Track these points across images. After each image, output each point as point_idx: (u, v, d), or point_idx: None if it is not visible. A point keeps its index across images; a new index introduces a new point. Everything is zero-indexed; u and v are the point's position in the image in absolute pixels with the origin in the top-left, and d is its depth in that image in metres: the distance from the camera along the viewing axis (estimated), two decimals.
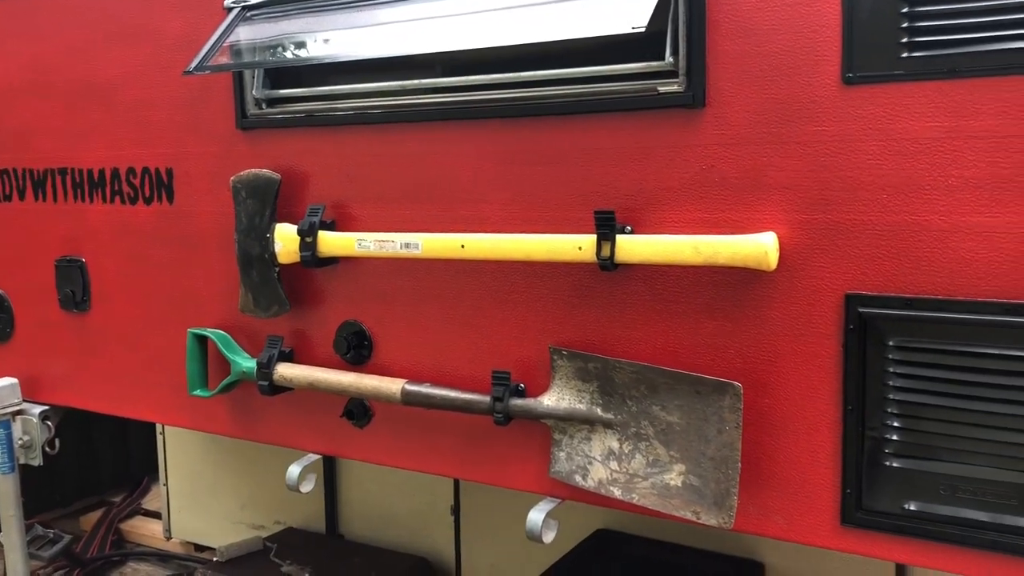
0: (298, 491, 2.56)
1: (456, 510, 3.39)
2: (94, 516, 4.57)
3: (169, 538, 4.21)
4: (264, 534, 3.63)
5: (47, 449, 3.20)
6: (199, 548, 4.17)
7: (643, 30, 1.72)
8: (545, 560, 2.86)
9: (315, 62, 2.35)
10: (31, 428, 3.16)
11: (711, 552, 2.82)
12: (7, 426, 3.15)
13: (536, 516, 2.15)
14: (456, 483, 3.37)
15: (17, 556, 3.28)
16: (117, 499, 4.76)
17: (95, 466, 4.86)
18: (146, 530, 4.41)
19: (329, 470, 3.66)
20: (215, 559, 3.40)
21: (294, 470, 2.54)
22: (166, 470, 4.16)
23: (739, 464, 1.86)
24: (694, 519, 1.91)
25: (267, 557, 3.37)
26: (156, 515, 4.47)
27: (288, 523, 3.79)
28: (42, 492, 4.43)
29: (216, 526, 4.01)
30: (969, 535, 1.73)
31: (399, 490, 3.51)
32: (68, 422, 4.12)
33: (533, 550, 2.85)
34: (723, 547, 2.82)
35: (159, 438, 4.15)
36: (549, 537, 2.17)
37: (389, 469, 3.44)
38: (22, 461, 3.20)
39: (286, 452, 2.70)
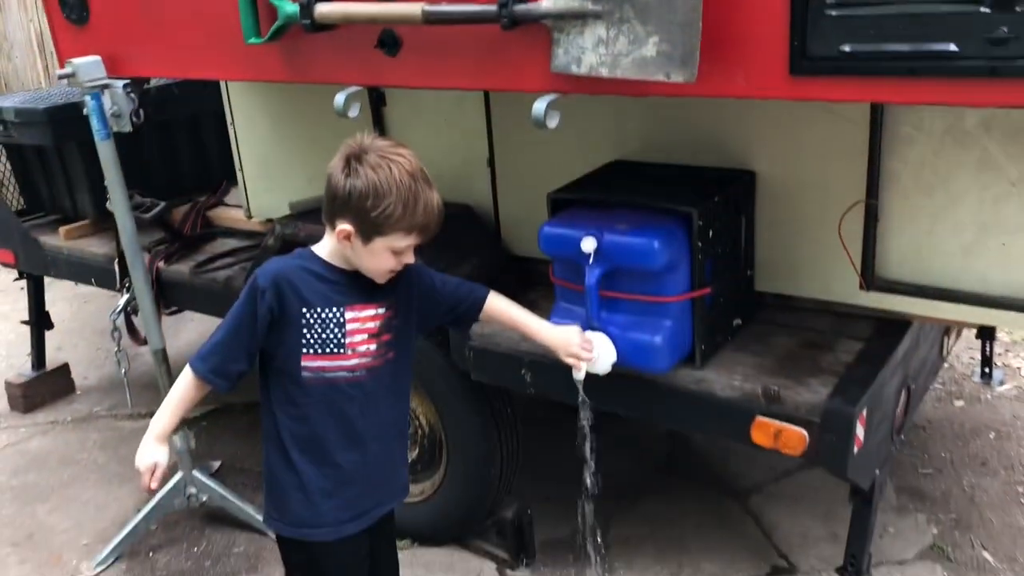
0: (346, 117, 2.99)
1: (491, 162, 3.82)
2: (183, 209, 5.18)
3: (250, 218, 4.79)
4: None
5: (134, 119, 3.68)
6: None
7: None
8: None
9: None
10: (119, 99, 3.63)
11: (710, 167, 3.21)
12: (98, 98, 3.63)
13: (540, 105, 2.54)
14: (490, 138, 3.78)
15: (123, 212, 3.87)
16: (201, 198, 5.35)
17: (178, 171, 5.43)
18: (229, 216, 5.01)
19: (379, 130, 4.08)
20: (288, 212, 3.95)
21: (339, 98, 2.96)
22: (240, 158, 4.66)
23: (700, 24, 2.18)
24: (665, 79, 2.27)
25: None
26: (237, 207, 5.04)
27: None
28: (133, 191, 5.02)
29: (285, 206, 4.55)
30: (893, 66, 2.05)
31: (441, 150, 3.92)
32: (151, 130, 4.65)
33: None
34: (720, 161, 3.20)
35: (230, 129, 4.62)
36: (553, 122, 2.56)
37: (433, 130, 3.88)
38: (115, 129, 3.70)
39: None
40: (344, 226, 2.32)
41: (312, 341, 2.38)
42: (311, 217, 3.87)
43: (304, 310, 2.36)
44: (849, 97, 2.17)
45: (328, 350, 2.39)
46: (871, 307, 3.10)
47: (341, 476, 2.48)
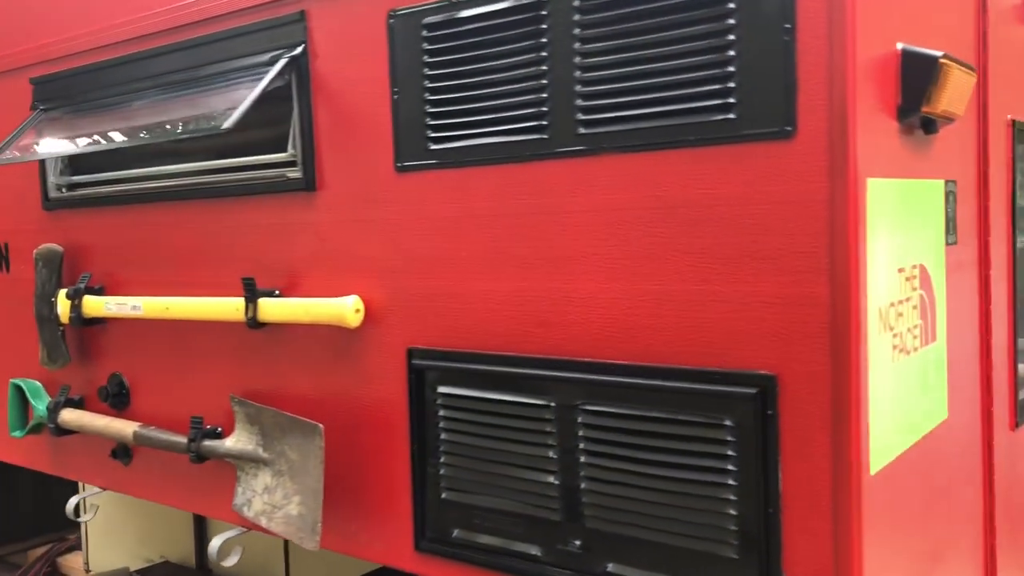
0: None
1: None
2: (40, 551, 5.09)
3: (88, 570, 4.66)
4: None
5: None
6: None
7: (223, 129, 2.10)
8: None
9: (62, 155, 2.82)
10: None
11: None
12: None
13: (216, 542, 2.47)
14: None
15: None
16: (71, 537, 5.28)
17: (53, 509, 5.41)
18: (75, 563, 4.89)
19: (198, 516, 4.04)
20: None
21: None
22: (85, 512, 4.63)
23: (322, 495, 2.15)
24: (301, 543, 2.21)
25: None
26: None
27: (168, 557, 4.19)
28: (7, 528, 5.05)
29: (121, 560, 4.44)
30: (493, 560, 1.97)
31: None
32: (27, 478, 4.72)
33: None
34: None
35: (79, 485, 4.63)
36: (230, 561, 2.49)
37: None
38: None
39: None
40: None
41: None
42: None
43: None
44: None
45: None
46: None
47: None
